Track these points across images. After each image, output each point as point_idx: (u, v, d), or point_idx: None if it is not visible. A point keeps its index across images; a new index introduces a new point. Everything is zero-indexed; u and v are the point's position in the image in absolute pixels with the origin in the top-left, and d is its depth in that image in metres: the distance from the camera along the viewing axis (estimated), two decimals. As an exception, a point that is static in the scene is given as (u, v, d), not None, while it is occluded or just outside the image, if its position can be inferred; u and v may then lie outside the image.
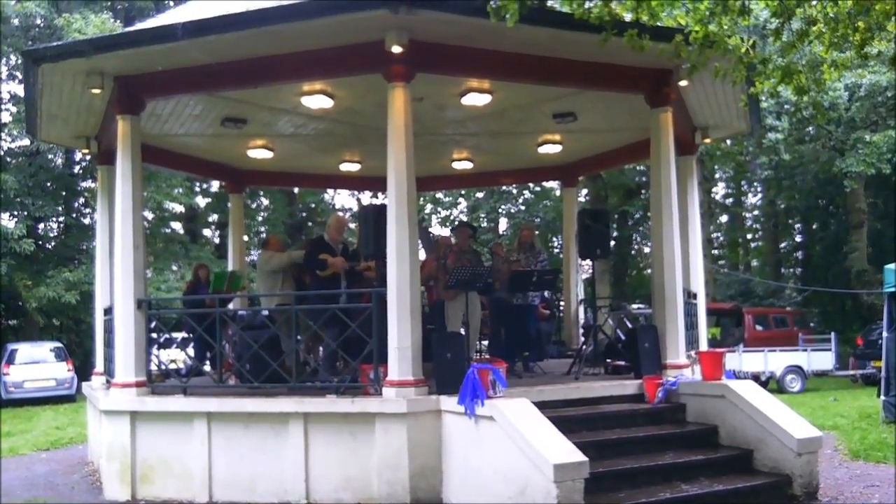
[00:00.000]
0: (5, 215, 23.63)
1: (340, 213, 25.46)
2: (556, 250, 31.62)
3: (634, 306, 20.46)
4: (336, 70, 8.30)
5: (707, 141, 11.62)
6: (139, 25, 10.64)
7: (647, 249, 34.92)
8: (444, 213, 34.22)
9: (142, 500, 8.30)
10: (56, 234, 27.54)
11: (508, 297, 10.40)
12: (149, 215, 26.62)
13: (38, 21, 23.53)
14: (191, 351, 11.24)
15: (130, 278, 8.60)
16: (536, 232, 32.86)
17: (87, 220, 26.45)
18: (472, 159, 13.11)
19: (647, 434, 7.86)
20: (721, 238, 39.99)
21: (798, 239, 37.97)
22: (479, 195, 33.07)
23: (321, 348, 9.56)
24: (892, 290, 11.93)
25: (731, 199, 39.36)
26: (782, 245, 38.24)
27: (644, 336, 8.97)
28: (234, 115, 10.19)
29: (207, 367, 10.73)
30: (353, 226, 11.31)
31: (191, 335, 10.99)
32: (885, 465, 8.99)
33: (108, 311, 9.84)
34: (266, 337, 8.66)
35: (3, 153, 24.27)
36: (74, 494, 8.93)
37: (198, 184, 29.06)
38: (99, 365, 10.65)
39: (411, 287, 7.62)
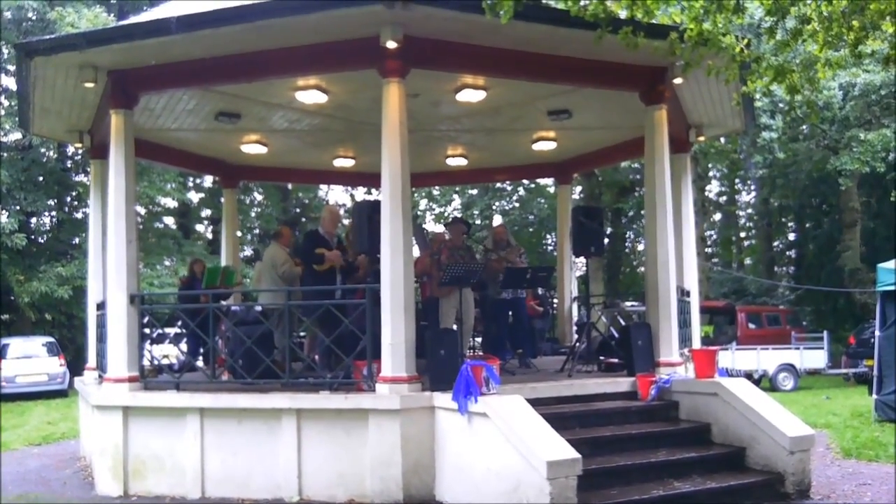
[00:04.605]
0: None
1: (334, 205, 25.35)
2: (550, 248, 31.66)
3: (628, 304, 20.44)
4: (331, 65, 8.27)
5: (701, 139, 11.62)
6: (133, 19, 10.59)
7: (640, 247, 34.99)
8: (438, 209, 34.20)
9: (134, 496, 8.26)
10: (48, 228, 27.41)
11: (496, 293, 10.41)
12: (141, 210, 26.55)
13: (31, 14, 23.41)
14: (184, 346, 11.21)
15: (123, 273, 8.56)
16: (531, 229, 32.91)
17: (79, 215, 26.33)
18: (467, 156, 13.08)
19: (640, 431, 7.87)
20: (714, 236, 40.03)
21: (791, 237, 38.07)
22: (473, 192, 33.06)
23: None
24: (885, 288, 11.96)
25: (724, 198, 39.42)
26: (775, 243, 38.34)
27: (637, 333, 8.98)
28: (228, 110, 10.15)
29: (200, 363, 10.70)
30: (346, 221, 11.29)
31: (184, 330, 10.95)
32: (877, 463, 9.02)
33: (101, 306, 9.80)
34: (259, 332, 8.64)
35: (-5, 148, 24.18)
36: (66, 490, 8.89)
37: (191, 179, 28.98)
38: (91, 360, 10.61)
39: (405, 283, 7.61)
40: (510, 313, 10.63)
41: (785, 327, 24.32)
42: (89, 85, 8.69)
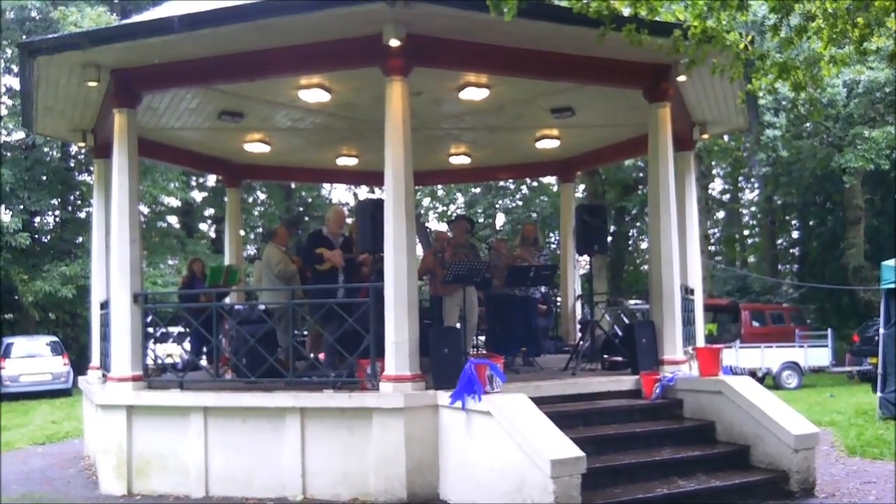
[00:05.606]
0: (1, 209, 23.57)
1: (340, 206, 25.37)
2: (554, 246, 31.64)
3: (632, 302, 20.46)
4: (333, 64, 8.26)
5: (705, 137, 11.61)
6: (135, 18, 10.59)
7: (644, 245, 34.94)
8: (441, 208, 34.21)
9: (138, 495, 8.27)
10: (52, 227, 27.46)
11: (508, 291, 10.41)
12: (145, 209, 26.56)
13: (34, 14, 23.45)
14: (187, 345, 11.22)
15: (126, 272, 8.57)
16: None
17: (83, 214, 26.38)
18: (470, 154, 13.08)
19: (644, 430, 7.86)
20: (718, 234, 40.02)
21: (795, 235, 38.00)
22: (477, 190, 33.05)
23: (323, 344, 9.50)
24: (889, 286, 11.92)
25: (728, 196, 39.36)
26: (779, 241, 38.28)
27: (641, 332, 8.97)
28: (231, 109, 10.15)
29: (204, 362, 10.70)
30: (349, 220, 11.28)
31: (187, 329, 10.95)
32: (882, 461, 8.99)
33: (105, 306, 9.81)
34: (263, 331, 8.64)
35: (-1, 147, 24.23)
36: (70, 489, 8.90)
37: (194, 178, 29.02)
38: (95, 359, 10.63)
39: (408, 282, 7.60)
40: (520, 312, 10.60)
41: (789, 325, 24.27)
42: (92, 84, 8.69)
